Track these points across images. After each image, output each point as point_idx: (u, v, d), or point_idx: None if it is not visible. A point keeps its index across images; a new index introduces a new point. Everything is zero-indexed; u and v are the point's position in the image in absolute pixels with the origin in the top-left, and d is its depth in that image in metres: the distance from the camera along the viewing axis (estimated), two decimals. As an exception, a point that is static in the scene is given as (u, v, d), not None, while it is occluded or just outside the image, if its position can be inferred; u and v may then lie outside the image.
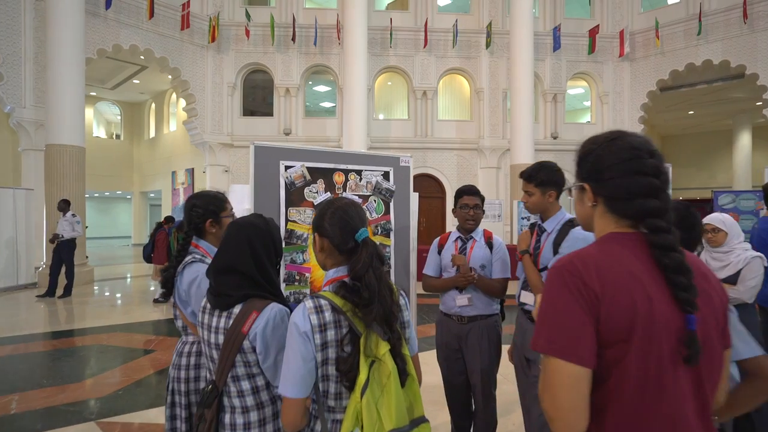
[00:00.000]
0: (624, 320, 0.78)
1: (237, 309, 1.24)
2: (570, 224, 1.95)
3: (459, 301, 2.34)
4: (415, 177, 11.22)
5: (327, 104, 14.08)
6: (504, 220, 11.40)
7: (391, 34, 11.94)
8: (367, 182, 2.47)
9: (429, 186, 12.52)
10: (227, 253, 1.28)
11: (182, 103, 12.53)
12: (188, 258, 1.63)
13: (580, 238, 1.86)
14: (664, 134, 19.23)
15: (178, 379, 1.57)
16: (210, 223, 1.69)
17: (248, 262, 1.26)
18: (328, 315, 1.07)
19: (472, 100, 12.81)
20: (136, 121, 18.53)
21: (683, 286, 0.80)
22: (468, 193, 2.39)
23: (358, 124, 10.82)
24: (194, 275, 1.57)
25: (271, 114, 12.43)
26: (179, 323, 1.68)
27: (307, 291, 2.26)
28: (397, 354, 1.09)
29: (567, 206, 1.90)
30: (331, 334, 1.06)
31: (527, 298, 2.04)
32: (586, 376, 0.78)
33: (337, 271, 1.16)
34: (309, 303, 1.09)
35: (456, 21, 12.05)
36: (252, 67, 12.33)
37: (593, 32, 12.16)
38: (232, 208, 1.77)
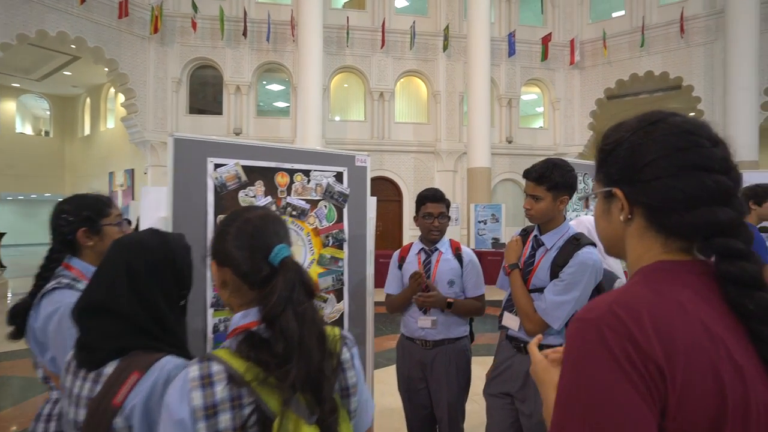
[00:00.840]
0: (707, 410, 0.49)
1: (110, 368, 0.85)
2: (575, 243, 1.59)
3: (421, 323, 2.03)
4: (372, 180, 10.90)
5: (281, 104, 13.49)
6: (461, 223, 11.35)
7: (347, 33, 11.60)
8: (317, 184, 2.11)
9: (386, 189, 12.27)
10: (96, 285, 0.89)
11: (121, 98, 11.53)
12: (51, 284, 1.20)
13: (589, 265, 1.51)
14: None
15: None
16: (84, 234, 1.25)
17: (127, 299, 0.87)
18: (220, 389, 0.70)
19: (429, 103, 12.72)
20: (68, 116, 16.92)
21: None
22: (431, 199, 2.07)
23: (312, 124, 10.40)
24: (54, 306, 1.15)
25: (220, 113, 11.71)
26: (40, 373, 1.25)
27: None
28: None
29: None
30: (225, 419, 0.69)
31: (511, 321, 1.71)
32: None
33: (246, 315, 0.79)
34: (193, 371, 0.72)
35: (413, 23, 11.92)
36: (199, 62, 11.58)
37: (546, 40, 12.46)
38: (119, 214, 1.35)
